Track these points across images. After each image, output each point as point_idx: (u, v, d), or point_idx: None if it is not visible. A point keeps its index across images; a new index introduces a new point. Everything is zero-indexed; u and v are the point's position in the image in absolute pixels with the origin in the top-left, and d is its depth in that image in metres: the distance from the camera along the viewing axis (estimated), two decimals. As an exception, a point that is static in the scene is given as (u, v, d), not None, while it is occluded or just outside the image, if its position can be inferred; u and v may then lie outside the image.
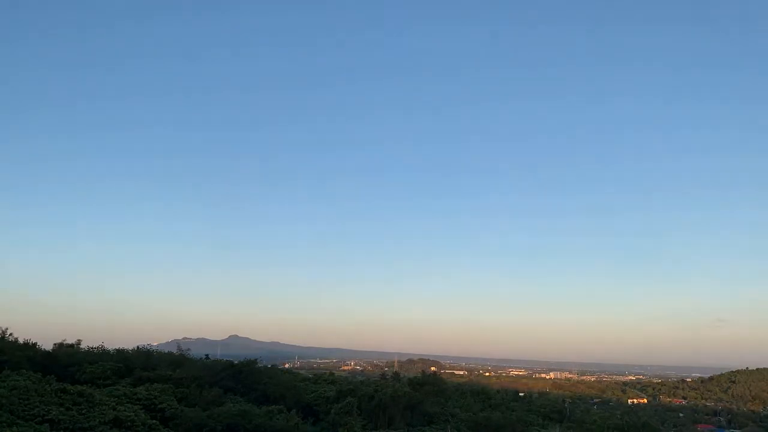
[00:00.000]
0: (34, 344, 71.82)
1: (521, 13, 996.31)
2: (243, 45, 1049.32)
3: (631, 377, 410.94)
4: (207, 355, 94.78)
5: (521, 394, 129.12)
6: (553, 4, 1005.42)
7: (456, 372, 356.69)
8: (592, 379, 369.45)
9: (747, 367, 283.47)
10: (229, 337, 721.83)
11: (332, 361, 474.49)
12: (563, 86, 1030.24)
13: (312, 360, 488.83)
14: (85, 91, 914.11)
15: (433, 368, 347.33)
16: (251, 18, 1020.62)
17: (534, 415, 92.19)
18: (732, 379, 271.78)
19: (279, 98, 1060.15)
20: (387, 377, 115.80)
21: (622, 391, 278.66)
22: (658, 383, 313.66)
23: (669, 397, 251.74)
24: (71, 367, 66.62)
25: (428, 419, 75.24)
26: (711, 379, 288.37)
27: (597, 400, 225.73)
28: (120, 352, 79.49)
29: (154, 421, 50.45)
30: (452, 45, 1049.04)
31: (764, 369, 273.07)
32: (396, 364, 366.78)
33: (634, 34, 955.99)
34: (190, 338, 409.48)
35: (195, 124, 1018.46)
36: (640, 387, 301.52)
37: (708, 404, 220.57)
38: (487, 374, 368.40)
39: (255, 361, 79.39)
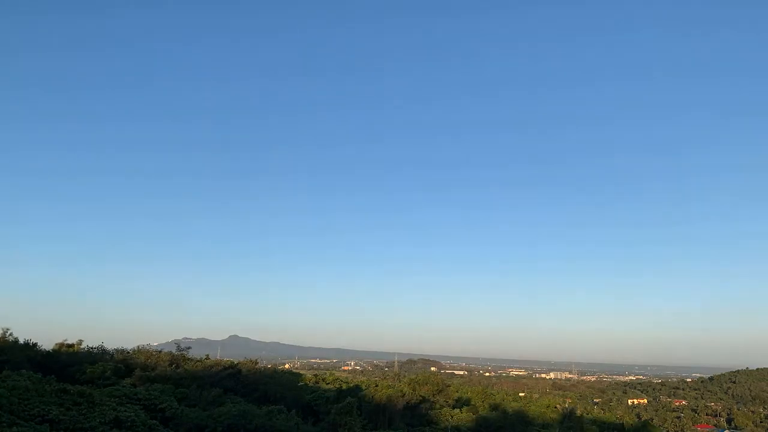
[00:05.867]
0: (34, 344, 71.49)
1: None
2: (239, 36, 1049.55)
3: (631, 377, 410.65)
4: (207, 355, 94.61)
5: (521, 394, 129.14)
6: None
7: (456, 372, 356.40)
8: (592, 379, 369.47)
9: (747, 367, 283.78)
10: (229, 337, 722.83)
11: (332, 361, 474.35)
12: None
13: (312, 360, 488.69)
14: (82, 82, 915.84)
15: (433, 368, 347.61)
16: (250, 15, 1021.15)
17: (534, 415, 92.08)
18: (732, 379, 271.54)
19: (280, 97, 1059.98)
20: (387, 377, 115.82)
21: (623, 391, 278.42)
22: (658, 383, 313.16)
23: (669, 397, 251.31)
24: (71, 367, 66.40)
25: (428, 419, 75.15)
26: (711, 379, 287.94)
27: (597, 400, 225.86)
28: (120, 352, 79.37)
29: (154, 421, 50.29)
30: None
31: (764, 369, 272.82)
32: (396, 364, 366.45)
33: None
34: (190, 338, 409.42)
35: (194, 123, 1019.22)
36: (640, 387, 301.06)
37: (708, 404, 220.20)
38: (487, 374, 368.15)
39: (255, 361, 79.36)
